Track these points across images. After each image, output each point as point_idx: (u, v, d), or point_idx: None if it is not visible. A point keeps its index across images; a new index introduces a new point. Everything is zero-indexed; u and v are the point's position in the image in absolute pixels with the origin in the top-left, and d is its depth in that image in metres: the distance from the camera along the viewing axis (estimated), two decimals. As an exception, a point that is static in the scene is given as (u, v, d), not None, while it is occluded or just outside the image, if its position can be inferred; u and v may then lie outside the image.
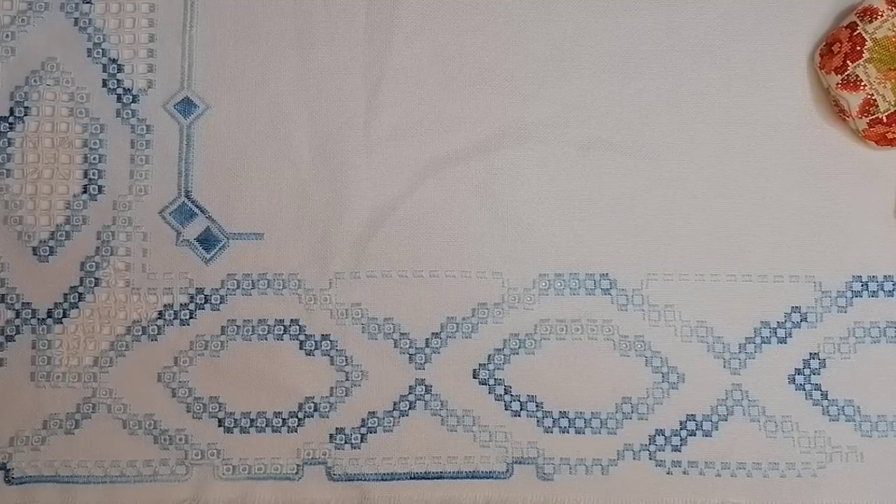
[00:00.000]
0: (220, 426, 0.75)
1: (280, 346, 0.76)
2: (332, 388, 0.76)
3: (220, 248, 0.77)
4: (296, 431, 0.75)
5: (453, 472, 0.75)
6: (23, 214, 0.77)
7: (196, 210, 0.77)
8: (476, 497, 0.75)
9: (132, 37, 0.79)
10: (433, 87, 0.78)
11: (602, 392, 0.76)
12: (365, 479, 0.75)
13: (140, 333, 0.76)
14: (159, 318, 0.76)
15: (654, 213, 0.77)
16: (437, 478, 0.75)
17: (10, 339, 0.76)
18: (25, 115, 0.77)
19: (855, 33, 0.75)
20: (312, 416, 0.76)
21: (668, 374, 0.76)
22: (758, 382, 0.76)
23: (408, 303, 0.76)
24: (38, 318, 0.76)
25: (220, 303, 0.76)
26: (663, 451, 0.75)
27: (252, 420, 0.75)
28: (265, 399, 0.76)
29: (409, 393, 0.76)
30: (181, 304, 0.76)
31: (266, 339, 0.76)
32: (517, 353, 0.76)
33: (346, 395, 0.76)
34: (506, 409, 0.76)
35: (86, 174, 0.77)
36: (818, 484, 0.75)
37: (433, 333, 0.76)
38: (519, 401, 0.76)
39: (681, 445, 0.75)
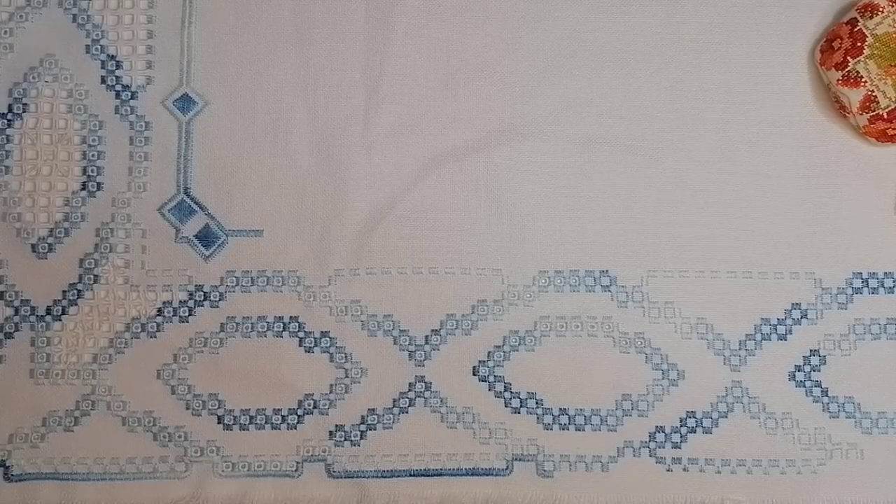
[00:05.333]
0: (219, 423, 0.75)
1: (279, 344, 0.76)
2: (331, 385, 0.76)
3: (219, 245, 0.77)
4: (295, 429, 0.75)
5: (453, 470, 0.75)
6: (21, 211, 0.76)
7: (195, 207, 0.77)
8: (476, 494, 0.75)
9: (131, 33, 0.78)
10: (432, 84, 0.78)
11: (602, 389, 0.76)
12: (365, 477, 0.75)
13: (139, 331, 0.76)
14: (158, 315, 0.76)
15: (654, 210, 0.77)
16: (437, 475, 0.75)
17: (9, 336, 0.76)
18: (24, 111, 0.77)
19: (856, 29, 0.74)
20: (312, 414, 0.76)
21: (668, 371, 0.76)
22: (758, 379, 0.76)
23: (407, 300, 0.76)
24: (38, 316, 0.76)
25: (220, 300, 0.76)
26: (663, 448, 0.75)
27: (251, 417, 0.75)
28: (265, 396, 0.76)
29: (409, 390, 0.76)
30: (180, 302, 0.76)
31: (265, 336, 0.76)
32: (517, 350, 0.76)
33: (346, 392, 0.76)
34: (506, 406, 0.76)
35: (84, 171, 0.77)
36: (818, 481, 0.75)
37: (433, 330, 0.76)
38: (519, 398, 0.76)
39: (681, 442, 0.75)
